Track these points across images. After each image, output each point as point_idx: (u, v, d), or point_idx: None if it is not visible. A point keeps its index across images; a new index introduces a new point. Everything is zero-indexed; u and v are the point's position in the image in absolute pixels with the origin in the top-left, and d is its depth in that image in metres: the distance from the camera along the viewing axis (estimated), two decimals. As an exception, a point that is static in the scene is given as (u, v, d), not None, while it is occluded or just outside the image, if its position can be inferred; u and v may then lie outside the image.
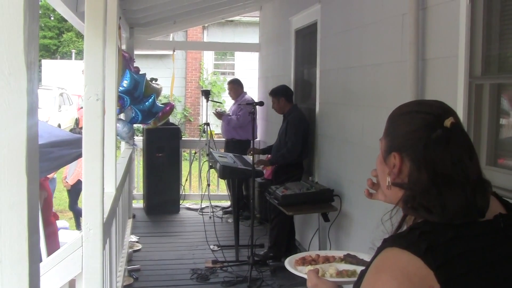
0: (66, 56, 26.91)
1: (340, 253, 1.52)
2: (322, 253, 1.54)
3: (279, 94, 5.34)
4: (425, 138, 1.13)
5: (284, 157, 5.11)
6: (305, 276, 1.34)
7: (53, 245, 4.61)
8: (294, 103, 5.45)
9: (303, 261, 1.48)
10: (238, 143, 6.94)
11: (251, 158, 5.08)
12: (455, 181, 1.10)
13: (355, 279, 1.31)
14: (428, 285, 1.02)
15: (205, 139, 7.13)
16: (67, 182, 7.53)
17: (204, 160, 6.82)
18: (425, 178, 1.11)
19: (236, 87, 7.23)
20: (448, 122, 1.13)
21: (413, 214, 1.13)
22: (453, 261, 1.04)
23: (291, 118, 5.20)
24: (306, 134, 5.17)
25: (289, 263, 1.52)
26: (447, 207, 1.09)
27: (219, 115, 7.19)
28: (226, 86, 7.49)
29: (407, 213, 1.15)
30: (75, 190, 7.44)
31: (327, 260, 1.50)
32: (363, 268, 1.27)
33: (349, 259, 1.49)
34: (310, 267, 1.43)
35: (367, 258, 1.39)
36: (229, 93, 7.40)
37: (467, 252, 1.07)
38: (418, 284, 1.02)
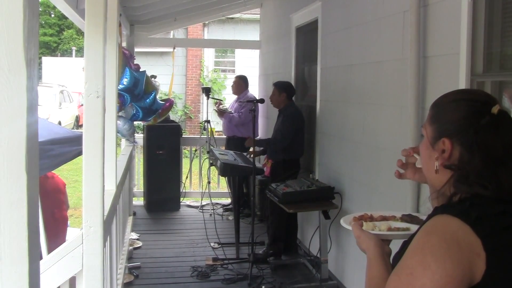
0: (66, 53, 26.92)
1: (399, 213, 1.56)
2: (383, 212, 1.59)
3: (283, 89, 5.33)
4: (475, 124, 1.18)
5: (274, 143, 5.22)
6: (350, 228, 1.42)
7: (62, 240, 4.56)
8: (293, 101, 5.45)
9: (361, 218, 1.53)
10: (239, 141, 6.92)
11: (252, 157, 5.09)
12: (507, 163, 1.16)
13: (399, 233, 1.39)
14: (475, 252, 1.07)
15: (205, 136, 7.13)
16: None
17: (205, 157, 6.81)
18: (478, 160, 1.17)
19: (240, 83, 7.20)
20: (495, 109, 1.18)
21: (467, 190, 1.17)
22: (500, 232, 1.10)
23: (287, 113, 5.22)
24: (302, 131, 5.18)
25: (345, 220, 1.56)
26: (503, 184, 1.15)
27: (221, 112, 7.17)
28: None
29: (459, 191, 1.19)
30: None
31: (384, 218, 1.55)
32: (417, 226, 1.31)
33: (406, 217, 1.53)
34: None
35: None
36: (232, 86, 7.37)
37: None
38: (466, 249, 1.07)
